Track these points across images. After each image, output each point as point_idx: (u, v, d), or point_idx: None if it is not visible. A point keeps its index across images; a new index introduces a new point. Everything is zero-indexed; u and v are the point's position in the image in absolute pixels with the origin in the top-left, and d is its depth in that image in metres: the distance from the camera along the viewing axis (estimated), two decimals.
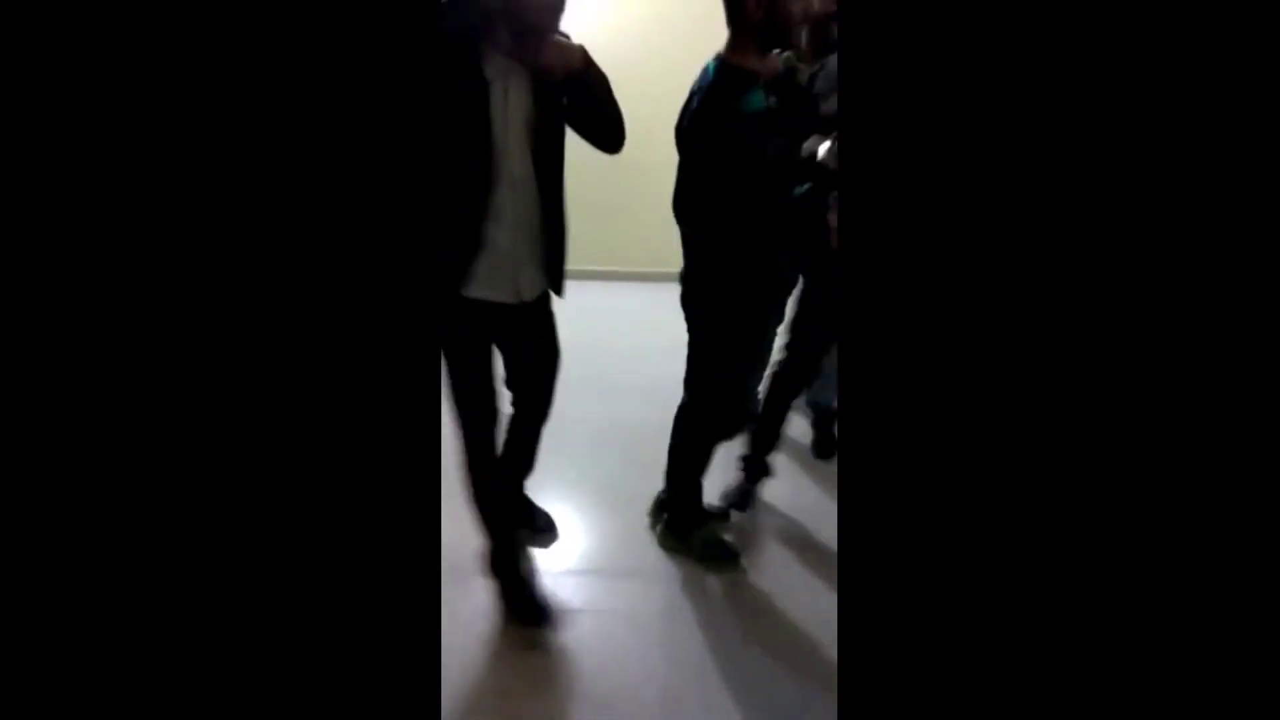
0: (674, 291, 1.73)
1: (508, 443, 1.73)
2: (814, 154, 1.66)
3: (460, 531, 1.70)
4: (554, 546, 1.95)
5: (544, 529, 1.98)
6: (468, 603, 1.71)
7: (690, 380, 1.78)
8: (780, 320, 2.05)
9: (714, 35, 1.56)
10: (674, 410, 1.84)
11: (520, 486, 1.93)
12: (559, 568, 1.88)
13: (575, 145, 1.47)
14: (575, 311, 2.01)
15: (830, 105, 1.70)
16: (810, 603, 1.76)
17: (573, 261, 1.55)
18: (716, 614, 1.74)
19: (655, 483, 2.00)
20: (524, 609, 1.68)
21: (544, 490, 2.07)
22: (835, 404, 2.43)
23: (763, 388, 2.05)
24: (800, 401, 2.37)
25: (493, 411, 1.56)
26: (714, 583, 1.84)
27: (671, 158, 1.61)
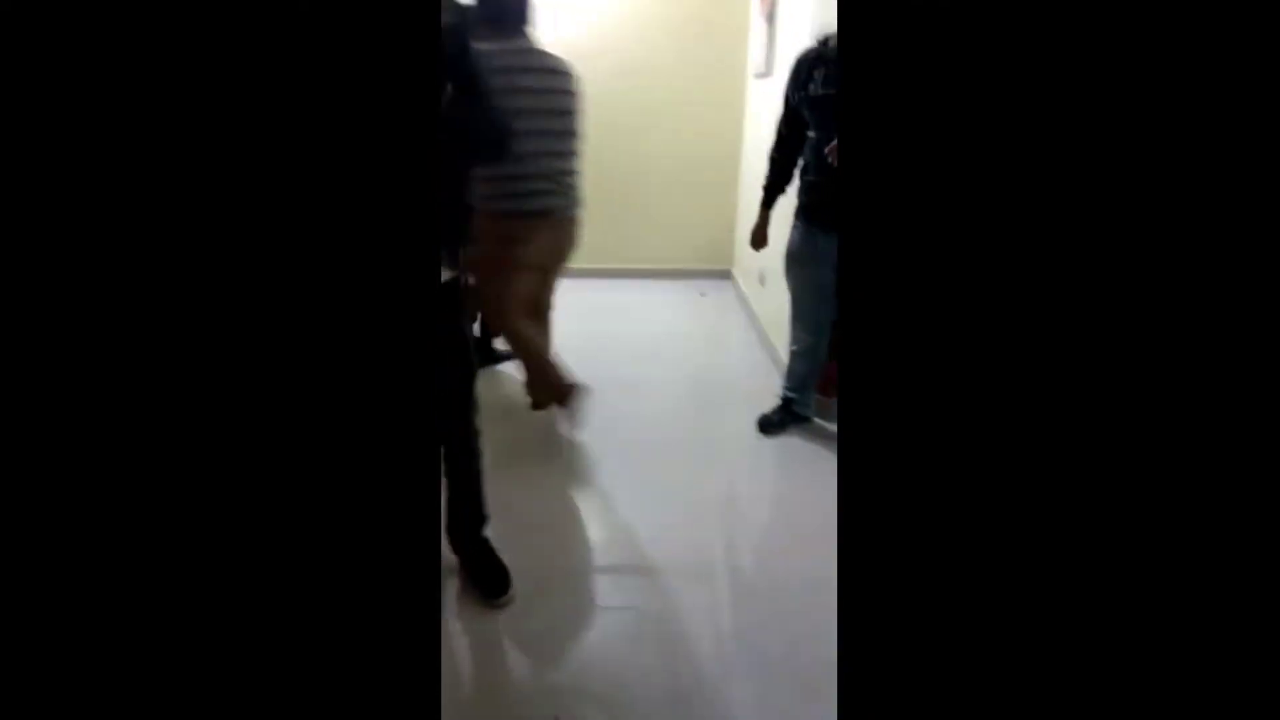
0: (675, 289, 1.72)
1: (448, 477, 1.68)
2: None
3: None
4: (510, 603, 1.72)
5: (499, 589, 1.73)
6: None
7: None
8: None
9: (712, 31, 1.52)
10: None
11: (478, 533, 1.78)
12: (593, 565, 1.89)
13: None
14: (590, 308, 2.03)
15: None
16: (811, 599, 1.77)
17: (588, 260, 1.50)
18: (722, 609, 1.74)
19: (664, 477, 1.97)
20: (485, 577, 1.73)
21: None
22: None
23: None
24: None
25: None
26: (720, 577, 1.85)
27: (658, 156, 1.54)
